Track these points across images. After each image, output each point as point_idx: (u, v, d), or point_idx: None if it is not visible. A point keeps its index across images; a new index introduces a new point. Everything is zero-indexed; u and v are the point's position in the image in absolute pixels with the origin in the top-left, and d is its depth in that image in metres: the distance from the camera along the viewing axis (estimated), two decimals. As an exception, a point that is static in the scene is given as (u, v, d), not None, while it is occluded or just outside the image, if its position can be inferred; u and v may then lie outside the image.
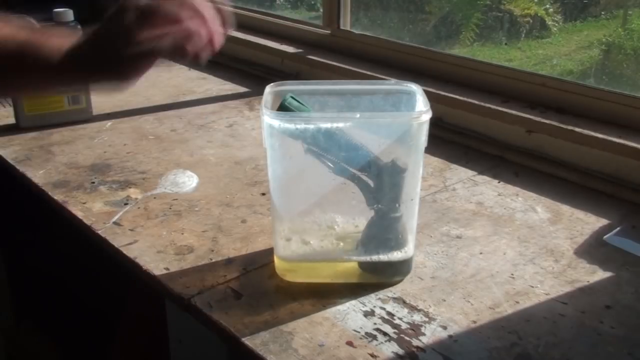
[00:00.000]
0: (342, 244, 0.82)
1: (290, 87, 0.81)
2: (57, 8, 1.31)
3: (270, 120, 0.74)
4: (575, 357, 0.70)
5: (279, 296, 0.80)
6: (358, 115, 0.74)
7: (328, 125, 0.74)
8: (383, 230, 0.80)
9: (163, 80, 1.66)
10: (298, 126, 0.74)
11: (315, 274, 0.83)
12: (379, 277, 0.82)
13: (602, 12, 1.47)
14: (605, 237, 0.93)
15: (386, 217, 0.79)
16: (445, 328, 0.74)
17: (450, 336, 0.73)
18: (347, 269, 0.82)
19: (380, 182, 0.77)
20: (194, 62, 0.71)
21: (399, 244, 0.81)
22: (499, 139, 1.21)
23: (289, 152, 0.77)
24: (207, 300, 0.79)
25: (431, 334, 0.73)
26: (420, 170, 0.79)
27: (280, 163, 0.78)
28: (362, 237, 0.81)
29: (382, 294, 0.80)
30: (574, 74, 1.44)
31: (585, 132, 1.09)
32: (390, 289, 0.81)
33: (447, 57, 1.38)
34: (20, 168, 1.15)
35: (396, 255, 0.81)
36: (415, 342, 0.72)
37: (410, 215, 0.80)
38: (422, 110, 0.76)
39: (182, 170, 1.14)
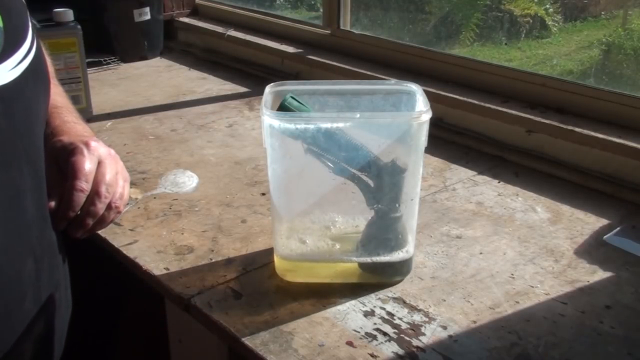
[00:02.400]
0: (338, 245, 0.82)
1: (290, 87, 0.81)
2: (57, 8, 1.31)
3: (270, 120, 0.74)
4: (575, 357, 0.70)
5: (279, 296, 0.80)
6: (358, 116, 0.74)
7: (328, 125, 0.74)
8: (383, 230, 0.80)
9: (163, 80, 1.66)
10: (298, 126, 0.74)
11: (315, 274, 0.83)
12: (379, 277, 0.82)
13: (602, 12, 1.47)
14: (605, 237, 0.93)
15: (386, 217, 0.79)
16: (445, 328, 0.74)
17: (450, 336, 0.73)
18: (346, 269, 0.82)
19: (380, 182, 0.77)
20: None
21: (399, 244, 0.81)
22: (499, 139, 1.21)
23: (289, 152, 0.77)
24: (207, 300, 0.79)
25: (431, 334, 0.73)
26: (420, 171, 0.78)
27: (280, 163, 0.78)
28: (362, 238, 0.81)
29: (382, 294, 0.80)
30: (574, 74, 1.44)
31: (585, 132, 1.09)
32: (390, 289, 0.81)
33: (447, 57, 1.37)
34: (20, 168, 1.15)
35: (396, 256, 0.81)
36: (415, 342, 0.72)
37: (411, 215, 0.80)
38: (422, 110, 0.76)
39: (182, 170, 1.14)
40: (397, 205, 0.78)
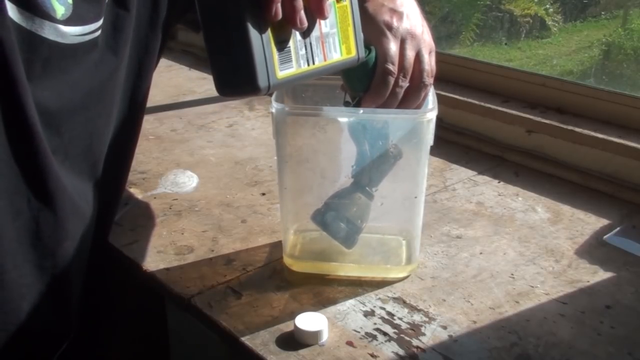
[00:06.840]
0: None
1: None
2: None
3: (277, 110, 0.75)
4: (575, 357, 0.70)
5: (278, 296, 0.80)
6: (361, 111, 0.74)
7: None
8: (348, 202, 0.79)
9: (163, 80, 1.66)
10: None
11: (320, 264, 0.84)
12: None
13: (602, 12, 1.47)
14: (605, 237, 0.93)
15: (358, 191, 0.78)
16: (445, 328, 0.74)
17: (450, 336, 0.73)
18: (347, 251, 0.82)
19: (376, 159, 0.77)
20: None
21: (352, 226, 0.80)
22: (499, 139, 1.21)
23: (297, 143, 0.77)
24: (207, 300, 0.79)
25: (431, 334, 0.73)
26: (426, 170, 0.78)
27: (289, 153, 0.78)
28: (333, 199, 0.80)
29: (382, 294, 0.80)
30: (574, 74, 1.45)
31: (585, 132, 1.09)
32: (390, 288, 0.81)
33: (447, 57, 1.37)
34: (20, 168, 1.15)
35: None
36: (415, 342, 0.72)
37: (416, 213, 0.80)
38: (428, 108, 0.76)
39: (182, 170, 1.14)
40: (373, 189, 0.78)
